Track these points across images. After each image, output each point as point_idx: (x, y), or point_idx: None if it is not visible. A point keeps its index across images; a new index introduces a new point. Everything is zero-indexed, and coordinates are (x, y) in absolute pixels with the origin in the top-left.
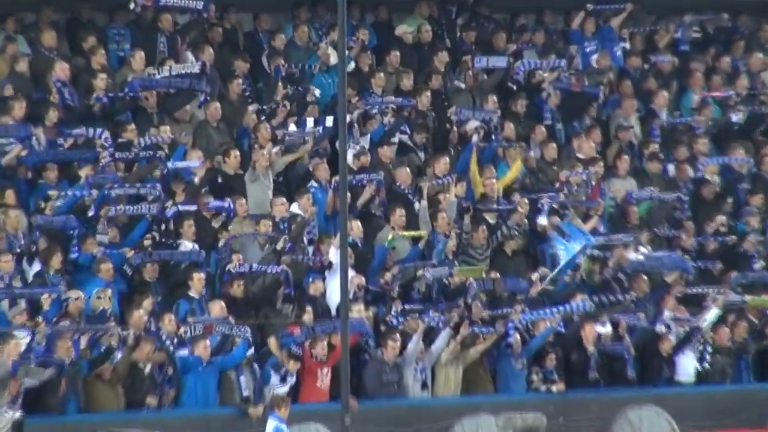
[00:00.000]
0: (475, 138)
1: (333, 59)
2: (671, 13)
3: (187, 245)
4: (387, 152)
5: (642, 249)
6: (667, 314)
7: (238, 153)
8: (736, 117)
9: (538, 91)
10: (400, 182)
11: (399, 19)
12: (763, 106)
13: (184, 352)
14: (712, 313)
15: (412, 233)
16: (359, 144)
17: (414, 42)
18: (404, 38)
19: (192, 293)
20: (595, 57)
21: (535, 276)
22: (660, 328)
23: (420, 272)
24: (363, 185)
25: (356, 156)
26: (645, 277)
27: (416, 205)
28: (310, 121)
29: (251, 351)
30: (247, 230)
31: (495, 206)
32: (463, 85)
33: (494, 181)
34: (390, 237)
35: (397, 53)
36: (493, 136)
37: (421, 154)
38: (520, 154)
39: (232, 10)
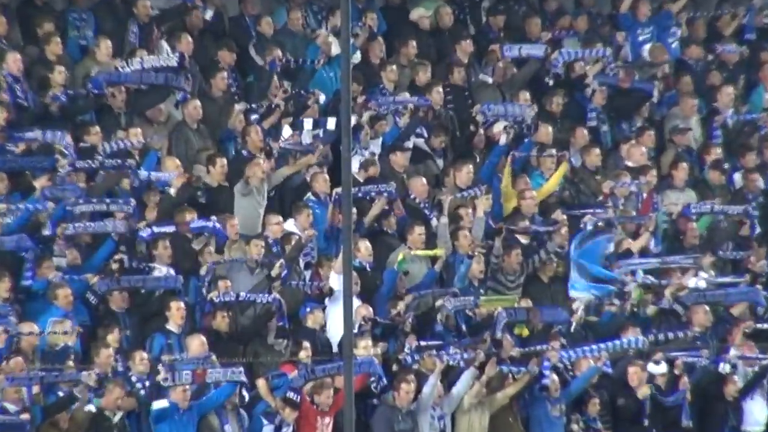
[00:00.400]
0: (503, 140)
1: (335, 49)
2: None
3: (161, 270)
4: (400, 159)
5: (703, 274)
6: (732, 352)
7: (225, 162)
8: None
9: (580, 87)
10: (415, 195)
11: (414, 2)
12: None
13: (162, 403)
14: None
15: (428, 252)
16: (367, 149)
17: (432, 28)
18: (420, 24)
19: (170, 326)
20: (647, 47)
21: (576, 304)
22: (724, 367)
23: (439, 302)
24: (371, 198)
25: (363, 165)
26: (707, 309)
27: (434, 222)
28: (308, 123)
29: (245, 395)
30: (236, 253)
31: (533, 226)
32: (490, 79)
33: (534, 194)
34: (401, 258)
35: (414, 42)
36: (527, 140)
37: (440, 161)
38: (564, 160)
39: None
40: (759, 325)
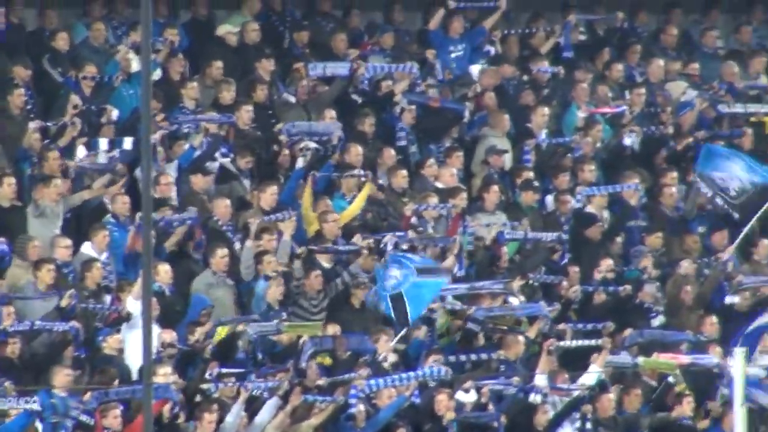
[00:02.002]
0: (300, 162)
1: (135, 65)
2: (550, 11)
3: None
4: (200, 182)
5: (513, 300)
6: (542, 381)
7: (13, 181)
8: (630, 139)
9: (389, 106)
10: (218, 217)
11: (221, 18)
12: (663, 127)
13: None
14: (590, 377)
15: None
16: (166, 171)
17: (239, 45)
18: (227, 40)
19: None
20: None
21: (383, 338)
22: (535, 398)
23: (240, 327)
24: (173, 226)
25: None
26: (521, 338)
27: (237, 246)
28: (103, 143)
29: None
30: (26, 275)
31: (332, 246)
32: (293, 99)
33: (336, 217)
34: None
35: (219, 61)
36: (329, 161)
37: (247, 182)
38: (369, 181)
39: (16, 2)
40: (561, 343)
